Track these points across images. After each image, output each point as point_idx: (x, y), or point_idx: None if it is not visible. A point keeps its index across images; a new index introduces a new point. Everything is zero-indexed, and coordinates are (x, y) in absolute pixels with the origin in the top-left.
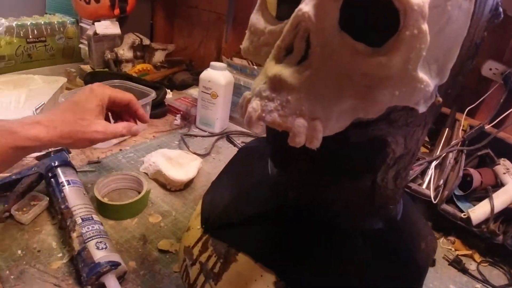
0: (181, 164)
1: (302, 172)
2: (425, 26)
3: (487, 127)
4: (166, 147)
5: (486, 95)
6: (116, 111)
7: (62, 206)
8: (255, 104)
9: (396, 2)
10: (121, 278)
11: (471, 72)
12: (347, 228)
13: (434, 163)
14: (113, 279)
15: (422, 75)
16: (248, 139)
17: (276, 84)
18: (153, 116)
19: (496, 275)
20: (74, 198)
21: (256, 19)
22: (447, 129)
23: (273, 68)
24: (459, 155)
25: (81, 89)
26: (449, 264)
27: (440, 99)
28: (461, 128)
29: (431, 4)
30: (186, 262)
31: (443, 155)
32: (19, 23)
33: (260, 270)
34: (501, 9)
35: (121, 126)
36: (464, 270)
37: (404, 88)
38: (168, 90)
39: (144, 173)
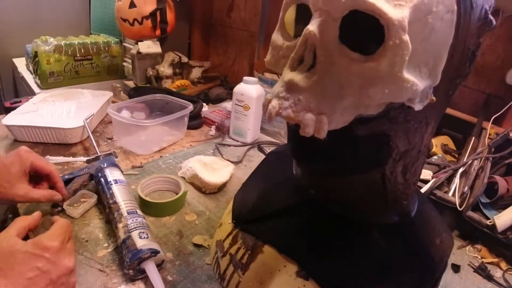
0: (215, 169)
1: (317, 165)
2: (405, 37)
3: None
4: (201, 155)
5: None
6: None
7: (110, 201)
8: (274, 102)
9: (381, 19)
10: (159, 266)
11: (497, 81)
12: (363, 222)
13: (460, 171)
14: (152, 265)
15: (408, 76)
16: None
17: (290, 86)
18: (190, 127)
19: None
20: (121, 195)
21: (276, 37)
22: (473, 137)
23: (288, 74)
24: (485, 163)
25: (11, 153)
26: (474, 271)
27: (434, 98)
28: (487, 136)
29: (412, 18)
30: (217, 254)
31: (469, 162)
32: (67, 42)
33: (284, 261)
34: (491, 17)
35: (42, 194)
36: (489, 277)
37: (392, 86)
38: (204, 104)
39: (182, 177)
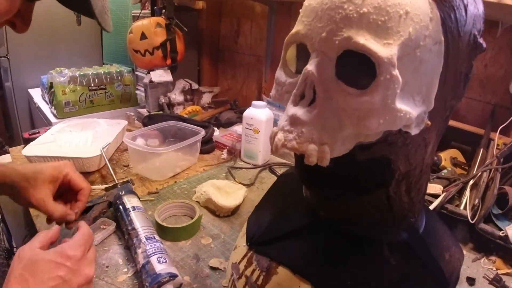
0: (228, 192)
1: (323, 188)
2: (395, 72)
3: None
4: (215, 178)
5: None
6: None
7: (129, 228)
8: (279, 135)
9: (372, 57)
10: None
11: (503, 91)
12: (373, 240)
13: (470, 183)
14: None
15: (401, 106)
16: None
17: (294, 120)
18: (203, 151)
19: None
20: (139, 221)
21: (279, 74)
22: (482, 149)
23: (291, 109)
24: (495, 174)
25: (54, 162)
26: (489, 283)
27: (429, 123)
28: (495, 146)
29: (401, 53)
30: (233, 276)
31: (478, 175)
32: (81, 73)
33: (298, 281)
34: (480, 41)
35: (57, 210)
36: None
37: (386, 117)
38: (215, 128)
39: (197, 201)
